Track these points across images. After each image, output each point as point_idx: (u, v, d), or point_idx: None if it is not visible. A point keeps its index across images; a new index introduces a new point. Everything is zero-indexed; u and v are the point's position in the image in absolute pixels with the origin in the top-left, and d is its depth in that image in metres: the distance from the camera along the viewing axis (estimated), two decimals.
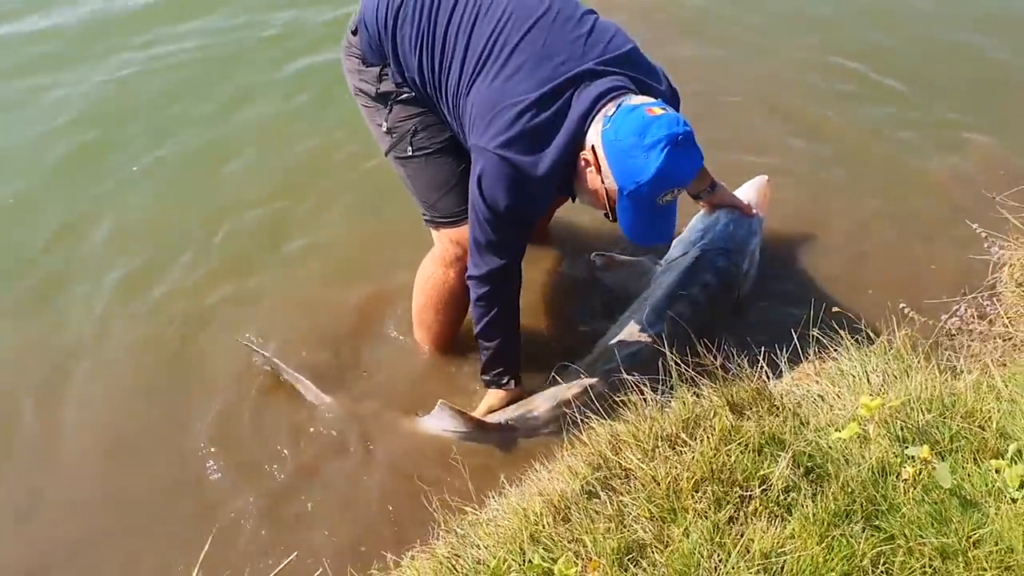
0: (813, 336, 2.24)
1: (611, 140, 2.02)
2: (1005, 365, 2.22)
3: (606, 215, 2.17)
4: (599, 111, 2.07)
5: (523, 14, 2.17)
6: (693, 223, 2.84)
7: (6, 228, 3.25)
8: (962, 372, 2.13)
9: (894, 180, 3.35)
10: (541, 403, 2.48)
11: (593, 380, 2.46)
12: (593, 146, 2.07)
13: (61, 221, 3.25)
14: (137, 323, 2.87)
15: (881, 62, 3.97)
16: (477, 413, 2.51)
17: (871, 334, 2.26)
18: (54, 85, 3.95)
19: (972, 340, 2.46)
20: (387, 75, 2.37)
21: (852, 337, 2.22)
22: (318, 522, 2.29)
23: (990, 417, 1.91)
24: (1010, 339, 2.42)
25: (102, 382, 2.68)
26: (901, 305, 2.58)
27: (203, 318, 2.88)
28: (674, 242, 2.81)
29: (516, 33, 2.14)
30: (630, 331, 2.60)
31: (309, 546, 2.19)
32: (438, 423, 2.45)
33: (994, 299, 2.55)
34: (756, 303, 2.79)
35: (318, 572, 1.99)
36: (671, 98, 2.26)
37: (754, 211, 2.81)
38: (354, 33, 2.41)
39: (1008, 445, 1.83)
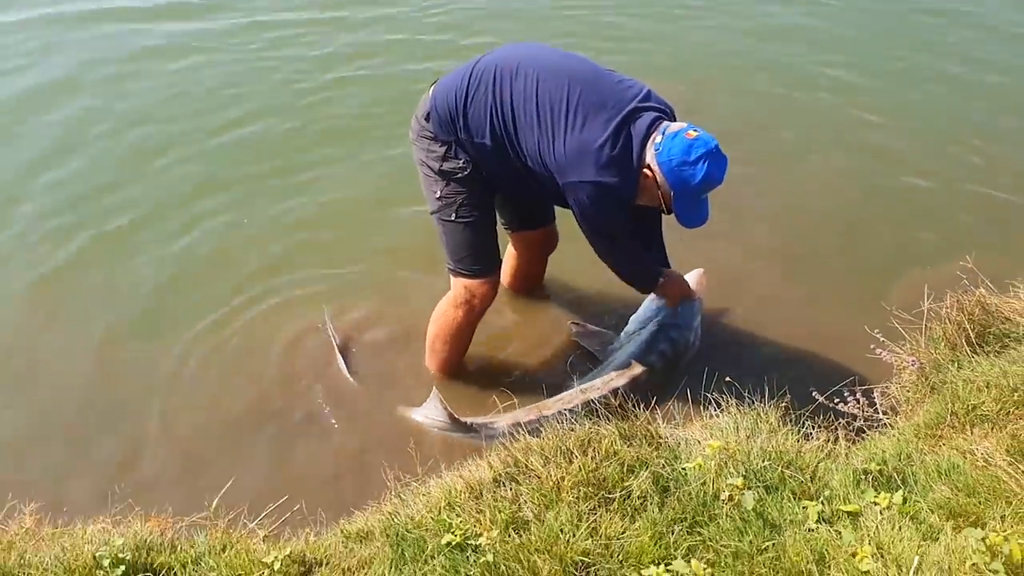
0: (708, 396, 2.86)
1: (666, 160, 2.75)
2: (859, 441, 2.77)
3: (661, 210, 2.92)
4: (651, 137, 2.80)
5: (572, 75, 2.86)
6: (647, 304, 3.46)
7: None
8: (812, 438, 2.69)
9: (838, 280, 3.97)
10: (503, 419, 3.13)
11: (548, 412, 3.09)
12: (650, 165, 2.80)
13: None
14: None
15: None
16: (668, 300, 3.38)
17: (756, 401, 2.84)
18: None
19: (859, 423, 2.99)
20: (451, 155, 3.04)
21: (739, 402, 2.82)
22: (306, 468, 3.07)
23: (816, 470, 2.48)
24: (888, 426, 2.94)
25: None
26: (811, 390, 3.15)
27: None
28: (631, 319, 3.46)
29: (574, 93, 2.83)
30: (592, 384, 3.25)
31: (300, 487, 2.93)
32: (424, 410, 3.15)
33: (884, 393, 3.07)
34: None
35: (296, 506, 2.74)
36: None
37: (696, 296, 3.45)
38: (426, 119, 3.05)
39: (824, 491, 2.40)
